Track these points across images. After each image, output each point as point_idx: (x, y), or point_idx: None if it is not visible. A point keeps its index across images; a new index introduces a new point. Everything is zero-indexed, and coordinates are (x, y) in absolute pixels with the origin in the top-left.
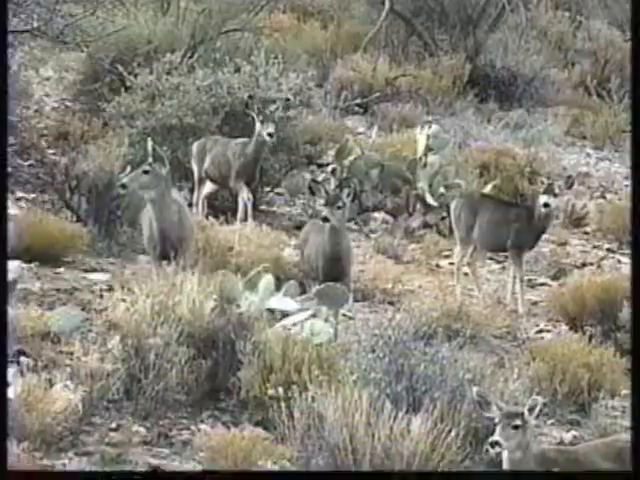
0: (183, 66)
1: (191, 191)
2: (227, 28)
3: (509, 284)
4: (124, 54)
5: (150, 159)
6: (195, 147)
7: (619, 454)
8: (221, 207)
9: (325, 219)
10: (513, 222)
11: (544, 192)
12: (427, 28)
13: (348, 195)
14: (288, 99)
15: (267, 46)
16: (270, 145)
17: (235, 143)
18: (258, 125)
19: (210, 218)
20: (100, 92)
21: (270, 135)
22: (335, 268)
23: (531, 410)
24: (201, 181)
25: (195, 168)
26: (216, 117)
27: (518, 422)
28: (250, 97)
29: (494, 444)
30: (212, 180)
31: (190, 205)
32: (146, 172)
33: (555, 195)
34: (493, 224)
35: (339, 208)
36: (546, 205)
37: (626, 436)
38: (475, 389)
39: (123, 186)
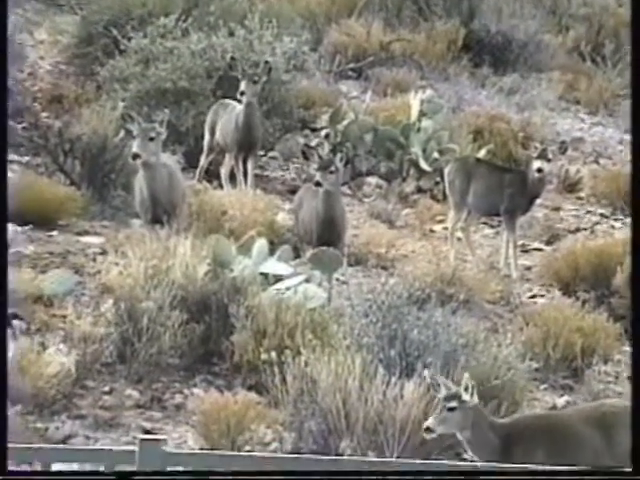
0: (177, 30)
1: (185, 155)
2: None
3: (502, 249)
4: (118, 17)
5: (157, 126)
6: (209, 115)
7: (602, 419)
8: (215, 171)
9: (318, 184)
10: (506, 187)
11: (537, 157)
12: None
13: (341, 160)
14: (267, 62)
15: (261, 10)
16: (257, 107)
17: (237, 111)
18: (233, 103)
19: (203, 182)
20: (94, 55)
21: (242, 93)
22: (329, 232)
23: (466, 389)
24: (211, 150)
25: (207, 136)
26: (210, 81)
27: (453, 404)
28: (233, 59)
29: (426, 430)
30: (222, 150)
31: (184, 170)
32: (152, 139)
33: (548, 160)
34: (487, 189)
35: (332, 172)
36: (539, 170)
37: (610, 401)
38: (427, 372)
39: (136, 155)
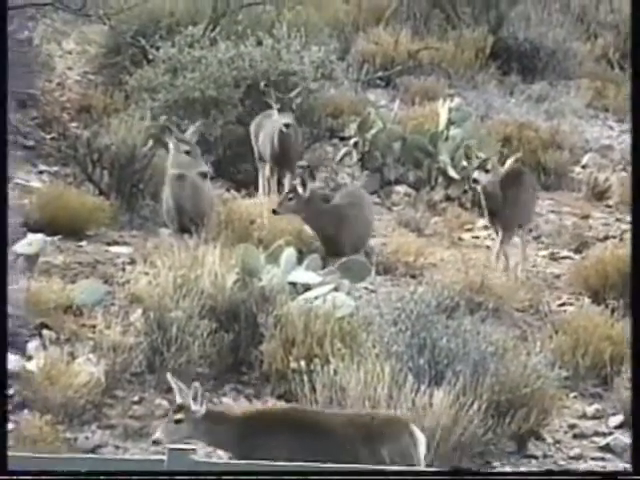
0: (205, 39)
1: (213, 164)
2: (249, 1)
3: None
4: (146, 27)
5: (192, 139)
6: (252, 127)
7: (368, 426)
8: (244, 180)
9: (274, 211)
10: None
11: (477, 168)
12: (450, 0)
13: (302, 184)
14: (301, 85)
15: (289, 19)
16: (295, 125)
17: (274, 127)
18: (276, 114)
19: (232, 191)
20: (122, 65)
21: (287, 126)
22: (329, 246)
23: (195, 398)
24: (261, 159)
25: (255, 148)
26: (238, 90)
27: (180, 416)
28: (267, 85)
29: (154, 442)
30: (263, 160)
31: (212, 179)
32: (187, 152)
33: (487, 171)
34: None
35: (290, 200)
36: (475, 181)
37: (380, 412)
38: None
39: (181, 176)
